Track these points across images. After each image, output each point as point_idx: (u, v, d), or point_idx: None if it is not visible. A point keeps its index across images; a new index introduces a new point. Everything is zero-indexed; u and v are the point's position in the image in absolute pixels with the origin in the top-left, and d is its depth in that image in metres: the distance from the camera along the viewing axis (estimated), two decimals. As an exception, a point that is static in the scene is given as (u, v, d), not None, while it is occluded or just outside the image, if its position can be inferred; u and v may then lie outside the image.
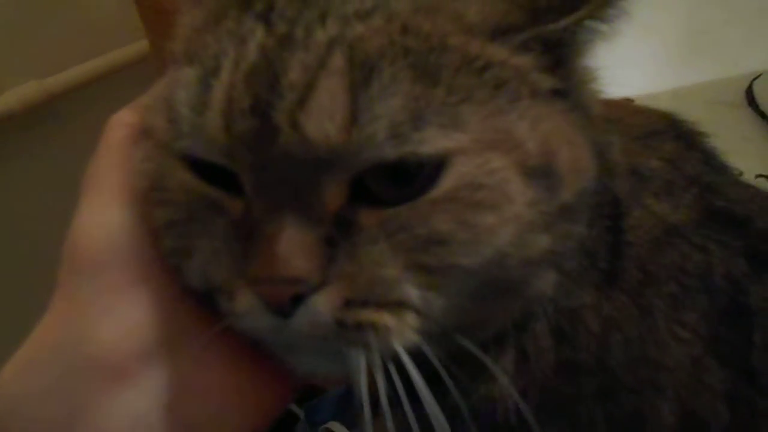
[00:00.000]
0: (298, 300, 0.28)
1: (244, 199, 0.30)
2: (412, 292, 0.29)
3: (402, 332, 0.29)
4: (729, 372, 0.34)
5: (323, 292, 0.29)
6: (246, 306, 0.29)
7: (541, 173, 0.30)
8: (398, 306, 0.29)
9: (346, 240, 0.29)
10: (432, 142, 0.28)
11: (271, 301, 0.29)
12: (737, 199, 0.38)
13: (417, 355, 0.30)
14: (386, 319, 0.29)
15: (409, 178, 0.29)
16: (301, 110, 0.28)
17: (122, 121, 0.35)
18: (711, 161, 0.40)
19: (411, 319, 0.30)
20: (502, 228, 0.29)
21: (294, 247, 0.28)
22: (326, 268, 0.29)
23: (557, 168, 0.31)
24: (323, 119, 0.27)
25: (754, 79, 0.84)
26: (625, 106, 0.43)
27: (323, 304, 0.29)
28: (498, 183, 0.29)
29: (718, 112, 0.80)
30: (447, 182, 0.29)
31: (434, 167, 0.29)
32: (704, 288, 0.35)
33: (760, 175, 0.69)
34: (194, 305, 0.32)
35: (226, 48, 0.30)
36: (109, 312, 0.31)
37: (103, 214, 0.33)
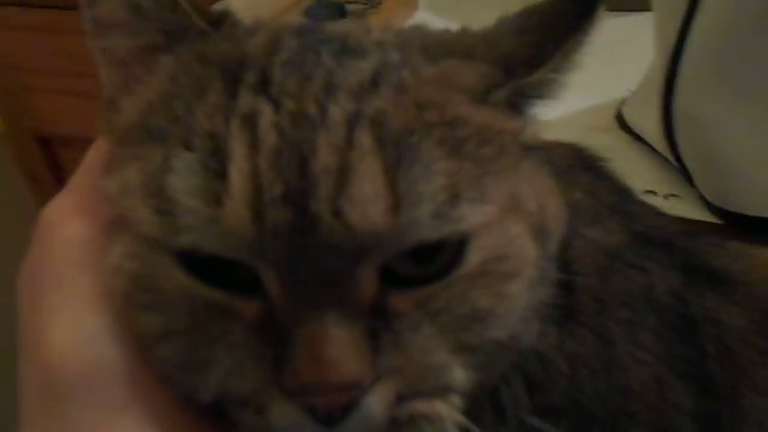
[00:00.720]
0: (350, 405, 0.26)
1: (261, 299, 0.27)
2: (458, 374, 0.29)
3: (453, 418, 0.28)
4: (690, 386, 0.34)
5: (376, 391, 0.27)
6: (287, 419, 0.27)
7: (539, 231, 0.31)
8: (445, 391, 0.28)
9: (388, 330, 0.27)
10: (468, 219, 0.27)
11: (320, 411, 0.26)
12: (655, 225, 0.40)
13: None
14: (438, 407, 0.28)
15: (430, 255, 0.28)
16: (342, 197, 0.26)
17: (63, 213, 0.31)
18: (619, 188, 0.42)
19: (456, 401, 0.29)
20: (524, 294, 0.29)
21: (343, 348, 0.26)
22: (375, 365, 0.27)
23: (548, 223, 0.32)
24: (367, 205, 0.26)
25: (621, 104, 0.89)
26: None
27: (377, 405, 0.27)
28: (518, 250, 0.29)
29: (595, 137, 0.85)
30: (475, 257, 0.28)
31: (458, 243, 0.28)
32: (651, 308, 0.35)
33: (648, 191, 0.75)
34: (194, 418, 0.29)
35: (230, 128, 0.27)
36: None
37: (79, 326, 0.29)
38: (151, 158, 0.28)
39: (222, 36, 0.31)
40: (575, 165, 0.41)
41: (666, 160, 0.81)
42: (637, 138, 0.86)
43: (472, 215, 0.27)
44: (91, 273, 0.29)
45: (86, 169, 0.32)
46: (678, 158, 0.78)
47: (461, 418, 0.29)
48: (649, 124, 0.80)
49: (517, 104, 0.31)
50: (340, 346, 0.26)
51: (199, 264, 0.27)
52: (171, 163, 0.27)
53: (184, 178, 0.27)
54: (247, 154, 0.26)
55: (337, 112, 0.27)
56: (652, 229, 0.39)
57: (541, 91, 0.32)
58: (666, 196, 0.78)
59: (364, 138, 0.26)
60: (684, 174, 0.79)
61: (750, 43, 0.64)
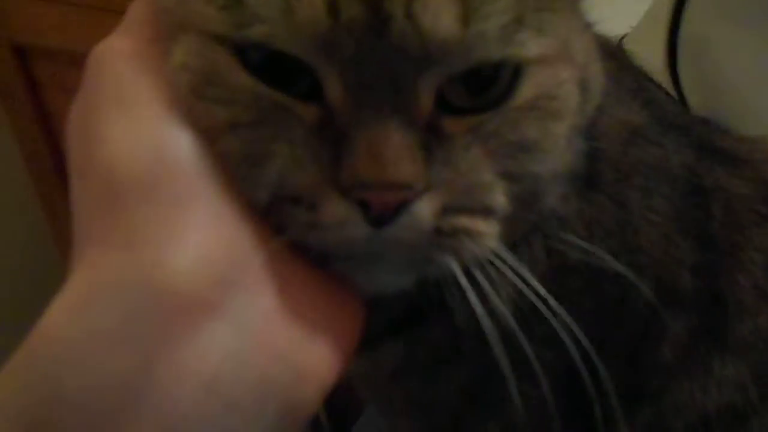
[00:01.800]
0: (400, 207, 0.27)
1: (320, 104, 0.28)
2: (500, 199, 0.30)
3: (493, 238, 0.30)
4: (693, 243, 0.38)
5: (426, 198, 0.28)
6: (339, 215, 0.27)
7: (583, 85, 0.32)
8: (487, 213, 0.30)
9: (440, 146, 0.28)
10: (530, 46, 0.29)
11: (375, 209, 0.27)
12: (674, 111, 0.44)
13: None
14: (480, 225, 0.29)
15: (483, 85, 0.29)
16: (417, 1, 0.26)
17: (115, 49, 0.30)
18: (642, 77, 0.45)
19: (495, 225, 0.30)
20: (564, 138, 0.31)
21: (400, 150, 0.27)
22: (427, 174, 0.28)
23: (590, 81, 0.33)
24: (440, 12, 0.26)
25: (621, 39, 0.88)
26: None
27: (426, 211, 0.28)
28: (566, 95, 0.31)
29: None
30: (527, 91, 0.29)
31: (511, 75, 0.29)
32: (666, 177, 0.39)
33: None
34: (260, 220, 0.29)
35: None
36: (176, 235, 0.27)
37: (140, 125, 0.28)
38: None
39: None
40: (600, 51, 0.41)
41: (668, 95, 0.81)
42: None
43: (532, 43, 0.29)
44: (150, 78, 0.29)
45: (135, 16, 0.31)
46: (678, 89, 0.78)
47: (497, 243, 0.30)
48: (652, 56, 0.80)
49: None
50: (398, 148, 0.27)
51: (262, 64, 0.28)
52: None
53: None
54: None
55: None
56: (671, 114, 0.43)
57: None
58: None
59: None
60: (683, 106, 0.79)
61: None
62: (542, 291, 0.31)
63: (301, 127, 0.28)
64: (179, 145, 0.28)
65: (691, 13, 0.73)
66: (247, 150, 0.29)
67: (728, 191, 0.40)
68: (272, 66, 0.28)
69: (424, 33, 0.26)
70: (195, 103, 0.29)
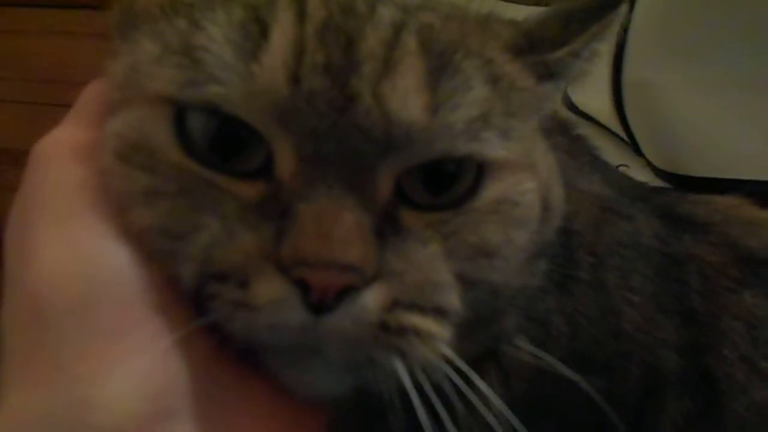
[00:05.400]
0: (344, 293, 0.25)
1: (266, 178, 0.26)
2: (455, 300, 0.28)
3: (444, 341, 0.27)
4: (676, 320, 0.37)
5: (374, 288, 0.25)
6: (273, 294, 0.24)
7: (545, 205, 0.31)
8: (440, 314, 0.27)
9: (395, 235, 0.27)
10: (495, 146, 0.28)
11: (316, 291, 0.24)
12: (628, 184, 0.44)
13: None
14: (431, 325, 0.27)
15: (445, 183, 0.28)
16: (385, 82, 0.26)
17: (58, 143, 0.29)
18: (592, 151, 0.45)
19: (448, 329, 0.28)
20: (524, 250, 0.30)
21: (353, 229, 0.25)
22: (379, 261, 0.26)
23: (552, 201, 0.32)
24: (408, 97, 0.26)
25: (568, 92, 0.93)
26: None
27: (372, 302, 0.25)
28: (529, 204, 0.30)
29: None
30: (490, 193, 0.28)
31: (474, 175, 0.28)
32: (639, 253, 0.38)
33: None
34: (198, 342, 0.27)
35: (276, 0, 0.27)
36: (106, 368, 0.24)
37: (73, 246, 0.26)
38: (175, 27, 0.27)
39: None
40: (553, 129, 0.42)
41: (616, 136, 0.85)
42: (588, 118, 0.90)
43: (497, 144, 0.28)
44: (89, 177, 0.27)
45: (84, 104, 0.30)
46: (627, 130, 0.81)
47: (447, 348, 0.27)
48: (599, 102, 0.84)
49: (541, 76, 0.32)
50: (349, 226, 0.25)
51: (205, 131, 0.26)
52: (203, 24, 0.26)
53: (220, 30, 0.26)
54: (293, 22, 0.26)
55: (386, 14, 0.28)
56: (628, 185, 0.43)
57: (565, 69, 0.33)
58: (617, 166, 0.82)
59: (410, 41, 0.27)
60: (633, 146, 0.82)
61: (694, 7, 0.69)
62: (505, 410, 0.28)
63: (235, 202, 0.26)
64: (113, 264, 0.26)
65: (631, 57, 0.77)
66: (168, 222, 0.26)
67: (700, 259, 0.39)
68: (217, 133, 0.26)
69: (390, 116, 0.25)
70: (116, 167, 0.27)
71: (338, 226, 0.24)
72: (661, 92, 0.74)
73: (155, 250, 0.26)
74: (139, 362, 0.25)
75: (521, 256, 0.30)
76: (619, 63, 0.78)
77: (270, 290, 0.24)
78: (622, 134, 0.83)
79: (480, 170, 0.28)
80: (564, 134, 0.43)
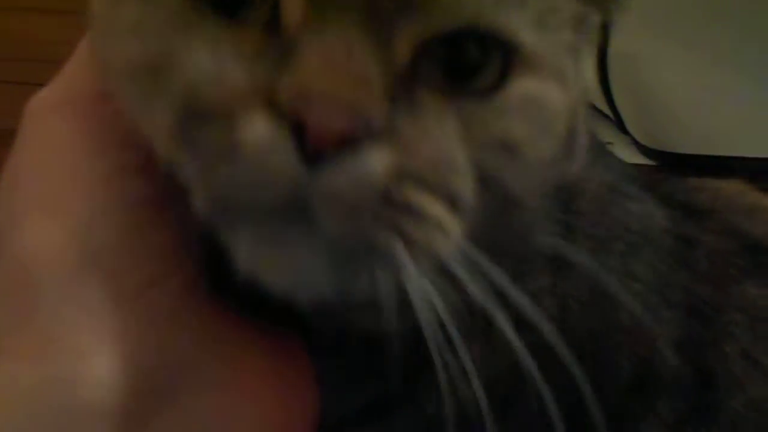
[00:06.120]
0: (345, 145, 0.21)
1: (271, 32, 0.22)
2: (469, 189, 0.24)
3: (456, 232, 0.24)
4: (676, 312, 0.35)
5: (381, 147, 0.21)
6: (262, 135, 0.21)
7: (570, 129, 0.28)
8: (451, 201, 0.24)
9: (410, 103, 0.23)
10: (527, 30, 0.25)
11: (312, 136, 0.20)
12: (630, 173, 0.41)
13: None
14: (440, 211, 0.23)
15: (466, 71, 0.24)
16: None
17: (46, 102, 0.27)
18: (594, 141, 0.42)
19: (458, 226, 0.24)
20: (544, 166, 0.27)
21: (364, 69, 0.21)
22: (390, 118, 0.22)
23: (577, 131, 0.29)
24: None
25: None
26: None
27: (377, 162, 0.21)
28: (554, 115, 0.26)
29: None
30: (516, 89, 0.25)
31: (500, 68, 0.25)
32: (646, 239, 0.35)
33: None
34: (178, 322, 0.25)
35: None
36: (95, 342, 0.23)
37: (61, 216, 0.25)
38: None
39: None
40: None
41: (601, 113, 0.83)
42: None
43: (528, 30, 0.25)
44: (79, 137, 0.26)
45: (76, 62, 0.28)
46: (612, 107, 0.79)
47: (455, 247, 0.24)
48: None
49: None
50: (360, 65, 0.21)
51: None
52: None
53: None
54: None
55: None
56: (631, 171, 0.41)
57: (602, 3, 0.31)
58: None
59: None
60: (618, 123, 0.80)
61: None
62: (537, 315, 0.25)
63: (232, 37, 0.23)
64: (101, 233, 0.24)
65: (618, 31, 0.74)
66: (152, 53, 0.23)
67: (706, 245, 0.37)
68: None
69: None
70: (108, 8, 0.25)
71: (347, 62, 0.21)
72: (646, 65, 0.71)
73: (140, 93, 0.24)
74: (131, 336, 0.24)
75: (540, 172, 0.27)
76: (605, 35, 0.76)
77: (259, 129, 0.21)
78: (608, 111, 0.80)
79: (506, 62, 0.25)
80: None
